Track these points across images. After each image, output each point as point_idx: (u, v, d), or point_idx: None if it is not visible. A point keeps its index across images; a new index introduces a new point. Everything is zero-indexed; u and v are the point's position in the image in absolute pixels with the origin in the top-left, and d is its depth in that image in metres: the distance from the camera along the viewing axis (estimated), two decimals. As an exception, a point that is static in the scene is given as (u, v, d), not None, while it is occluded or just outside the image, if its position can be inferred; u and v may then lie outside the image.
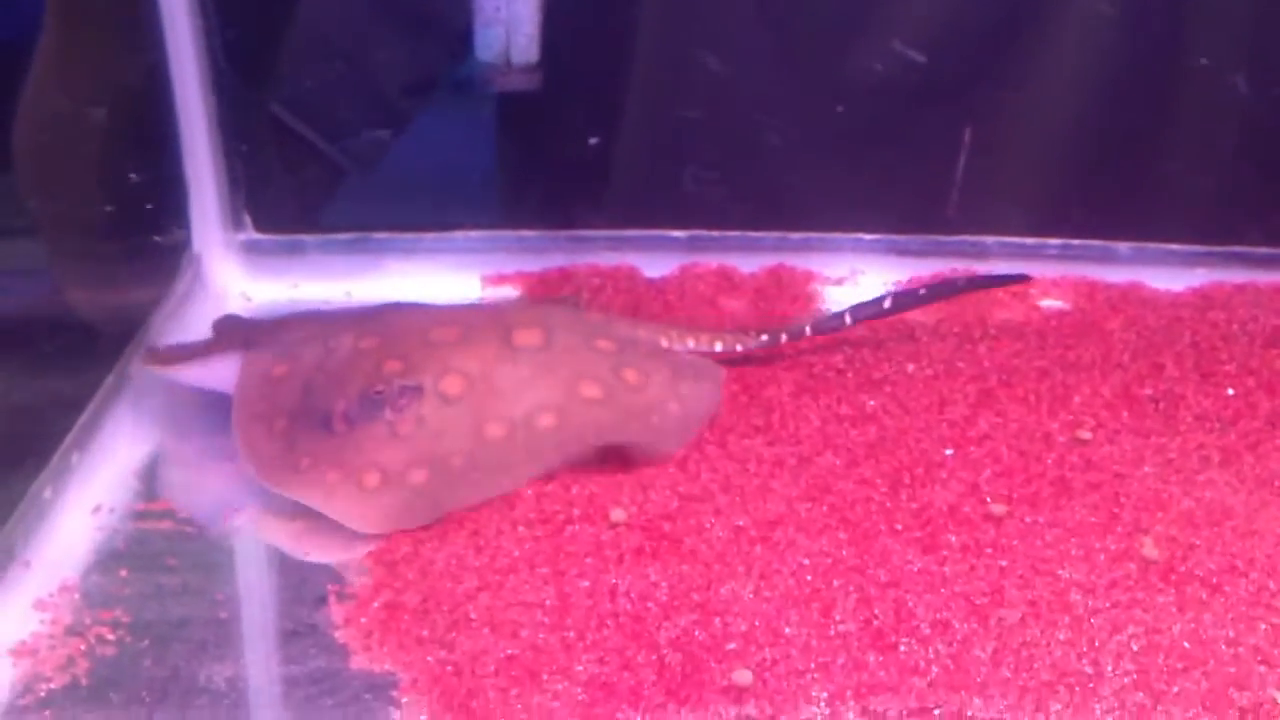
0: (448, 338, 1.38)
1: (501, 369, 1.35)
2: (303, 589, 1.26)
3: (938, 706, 1.12)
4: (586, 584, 1.22)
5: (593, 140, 1.92)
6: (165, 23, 1.70)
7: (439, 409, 1.31)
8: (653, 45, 1.88)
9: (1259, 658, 1.15)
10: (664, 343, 1.52)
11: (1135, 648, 1.15)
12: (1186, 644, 1.16)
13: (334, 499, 1.27)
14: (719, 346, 1.54)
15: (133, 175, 1.66)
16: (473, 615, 1.19)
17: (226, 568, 1.30)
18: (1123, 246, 1.84)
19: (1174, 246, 1.83)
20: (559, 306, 1.62)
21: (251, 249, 1.84)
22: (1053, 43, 1.83)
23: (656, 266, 1.83)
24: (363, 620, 1.21)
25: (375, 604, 1.22)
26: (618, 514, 1.30)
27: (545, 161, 2.01)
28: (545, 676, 1.13)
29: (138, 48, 1.68)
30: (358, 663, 1.17)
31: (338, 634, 1.20)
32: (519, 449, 1.33)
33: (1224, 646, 1.15)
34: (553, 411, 1.35)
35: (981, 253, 1.85)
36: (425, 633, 1.18)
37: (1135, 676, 1.13)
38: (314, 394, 1.34)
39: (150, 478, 1.41)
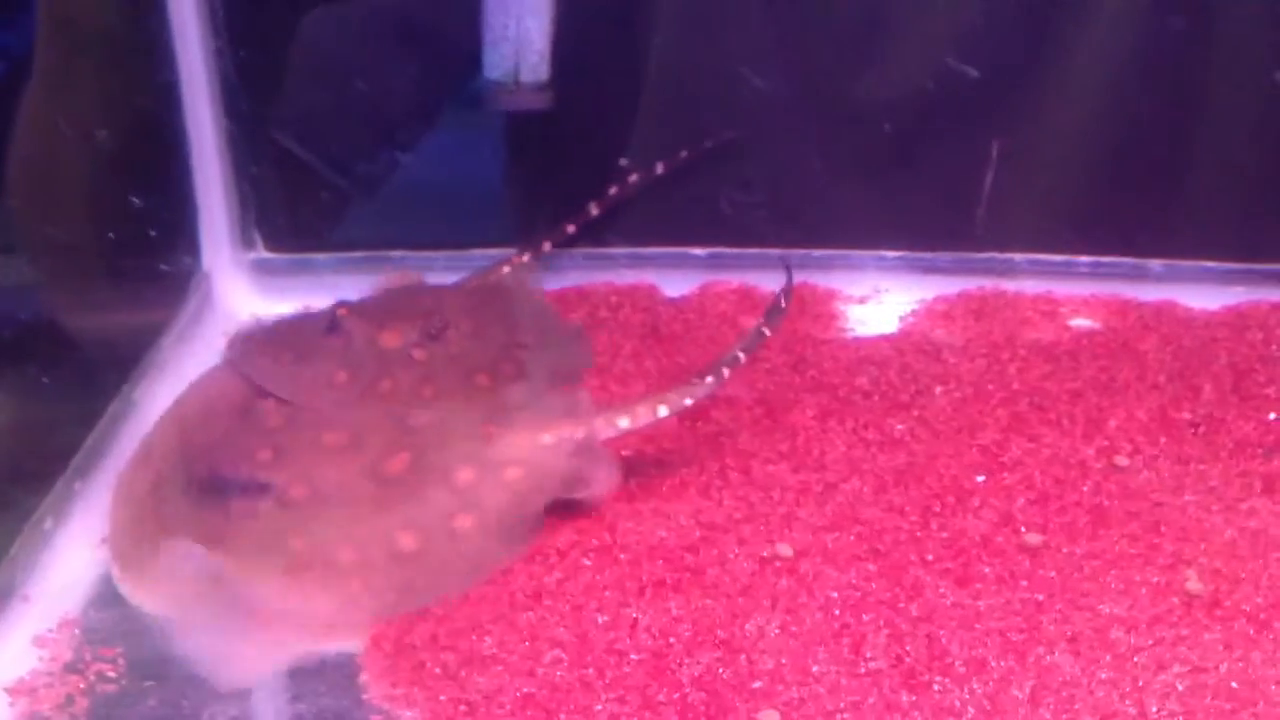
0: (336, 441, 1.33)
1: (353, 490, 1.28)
2: (312, 623, 1.22)
3: (974, 750, 1.07)
4: (605, 619, 1.17)
5: (621, 162, 1.88)
6: (176, 43, 1.68)
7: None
8: (667, 62, 1.84)
9: (1311, 698, 1.09)
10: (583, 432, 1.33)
11: (1181, 687, 1.10)
12: (1234, 684, 1.10)
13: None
14: (664, 411, 1.34)
15: (140, 195, 1.63)
16: (487, 652, 1.15)
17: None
18: (1155, 264, 1.79)
19: (1208, 264, 1.78)
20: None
21: (262, 268, 1.80)
22: (1083, 56, 1.79)
23: (676, 285, 1.79)
24: (374, 656, 1.17)
25: (386, 640, 1.18)
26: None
27: (560, 179, 1.98)
28: (563, 716, 1.09)
29: (146, 67, 1.65)
30: (368, 701, 1.13)
31: (348, 671, 1.16)
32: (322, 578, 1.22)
33: (1274, 687, 1.10)
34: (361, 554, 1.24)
35: (1009, 270, 1.80)
36: (438, 670, 1.14)
37: (1181, 718, 1.08)
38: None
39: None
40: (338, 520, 1.25)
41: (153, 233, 1.67)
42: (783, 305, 1.43)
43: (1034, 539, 1.27)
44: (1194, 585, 1.20)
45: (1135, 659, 1.13)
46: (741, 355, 1.38)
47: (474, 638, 1.16)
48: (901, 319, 1.71)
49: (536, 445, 1.31)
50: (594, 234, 1.84)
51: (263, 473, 1.28)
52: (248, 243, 1.81)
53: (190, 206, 1.74)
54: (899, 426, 1.45)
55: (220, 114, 1.74)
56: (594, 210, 1.73)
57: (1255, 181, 1.82)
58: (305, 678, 1.16)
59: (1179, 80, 1.79)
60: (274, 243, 1.82)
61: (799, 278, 1.79)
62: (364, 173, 1.91)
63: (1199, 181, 1.83)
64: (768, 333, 1.41)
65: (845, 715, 1.09)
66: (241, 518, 1.26)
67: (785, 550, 1.25)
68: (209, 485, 1.29)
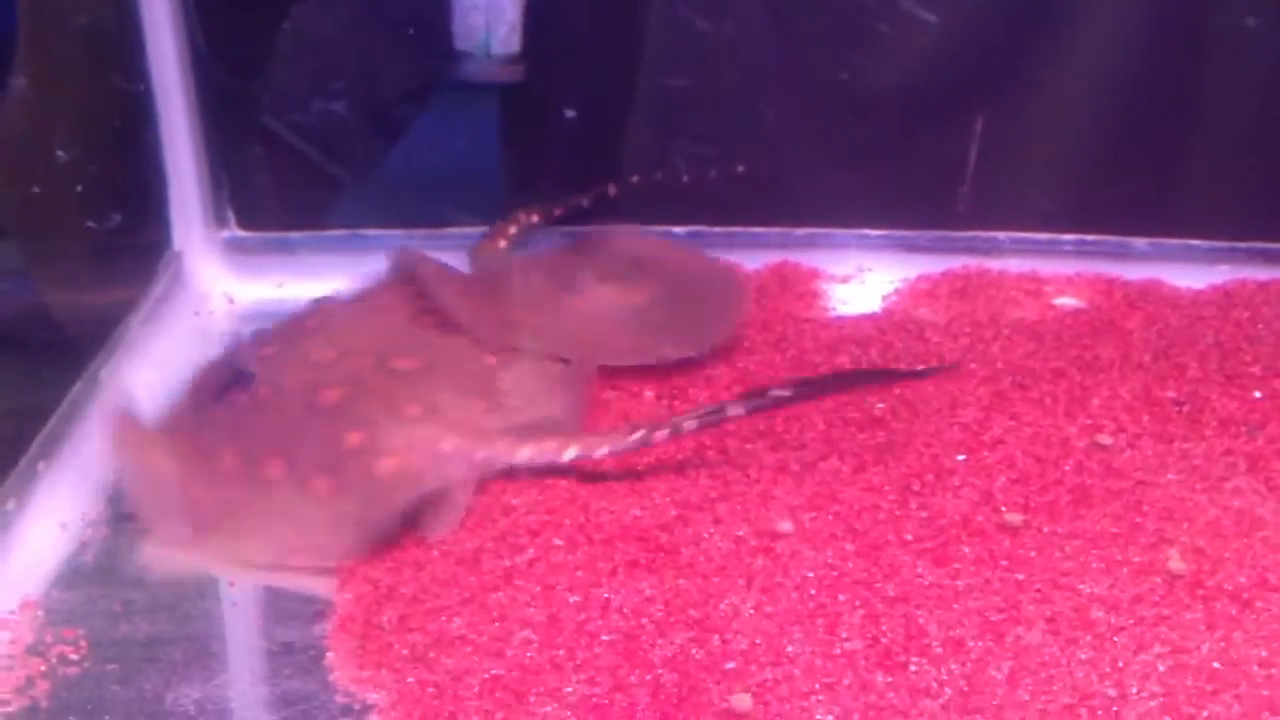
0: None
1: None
2: (279, 606, 1.20)
3: (951, 731, 1.05)
4: (576, 599, 1.15)
5: (588, 135, 1.86)
6: (145, 15, 1.64)
7: None
8: (646, 36, 1.81)
9: (1294, 678, 1.08)
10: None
11: (1162, 668, 1.08)
12: (1217, 664, 1.08)
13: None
14: (571, 454, 1.28)
15: (107, 172, 1.60)
16: (456, 633, 1.13)
17: (200, 584, 1.23)
18: (1141, 242, 1.77)
19: (1194, 242, 1.76)
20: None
21: (235, 247, 1.77)
22: (1069, 32, 1.76)
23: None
24: (341, 638, 1.14)
25: (353, 622, 1.16)
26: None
27: (539, 156, 1.95)
28: (532, 698, 1.06)
29: (116, 41, 1.62)
30: (335, 683, 1.11)
31: (314, 653, 1.13)
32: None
33: (1257, 667, 1.08)
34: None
35: (993, 249, 1.78)
36: (405, 651, 1.12)
37: (1162, 699, 1.06)
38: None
39: (122, 488, 1.35)
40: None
41: (120, 210, 1.64)
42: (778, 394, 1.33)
43: (1014, 518, 1.25)
44: (1176, 565, 1.18)
45: (1115, 639, 1.11)
46: (691, 424, 1.28)
47: (443, 619, 1.14)
48: (884, 298, 1.69)
49: (426, 444, 1.26)
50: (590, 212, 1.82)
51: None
52: (220, 221, 1.78)
53: (160, 183, 1.70)
54: (879, 405, 1.43)
55: (191, 88, 1.71)
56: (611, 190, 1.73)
57: (1242, 160, 1.80)
58: (271, 659, 1.14)
59: (1166, 59, 1.77)
60: (248, 221, 1.79)
61: (782, 256, 1.78)
62: (347, 163, 1.89)
63: (1185, 160, 1.81)
64: (735, 413, 1.30)
65: (819, 696, 1.07)
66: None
67: (785, 526, 1.23)
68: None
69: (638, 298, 1.55)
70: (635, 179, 1.79)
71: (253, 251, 1.77)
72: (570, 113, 1.76)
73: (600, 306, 1.53)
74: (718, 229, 1.80)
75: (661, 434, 1.28)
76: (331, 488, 1.23)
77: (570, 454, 1.27)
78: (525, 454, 1.28)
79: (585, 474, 1.32)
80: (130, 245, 1.66)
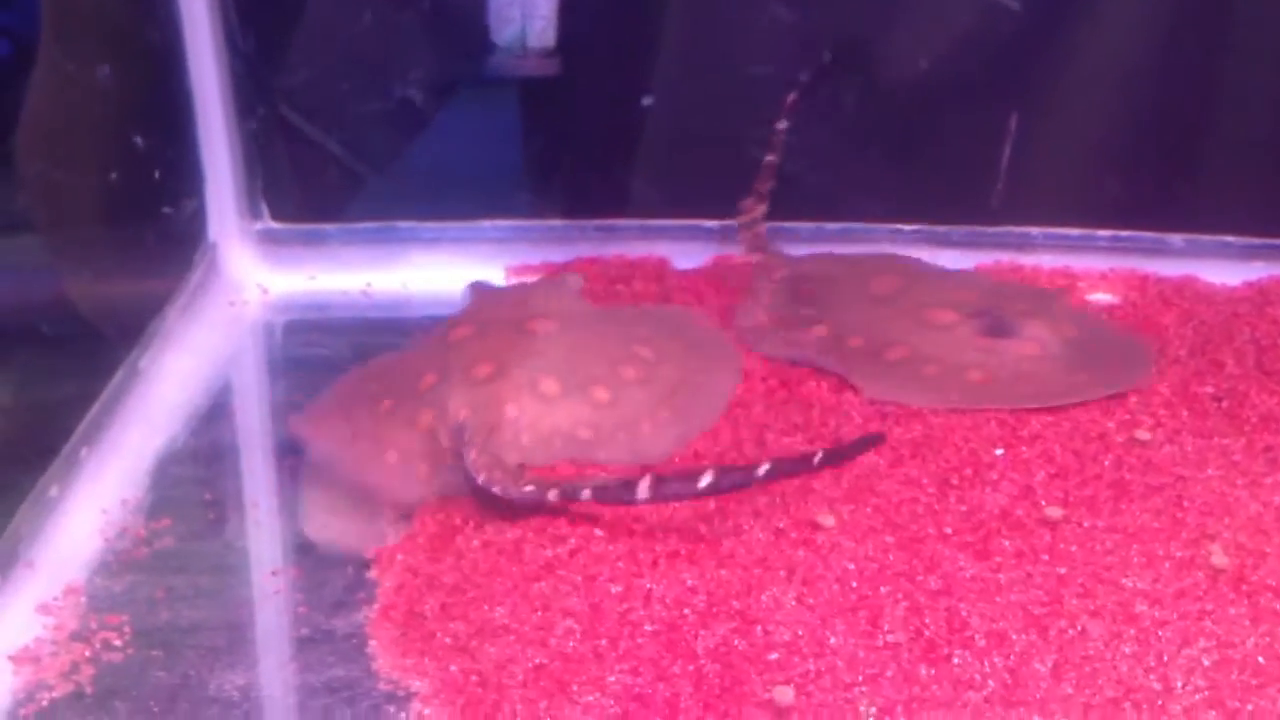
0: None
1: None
2: (321, 593, 1.20)
3: (994, 723, 1.05)
4: (619, 589, 1.15)
5: (626, 124, 1.85)
6: (182, 11, 1.65)
7: None
8: (679, 29, 1.81)
9: (1339, 674, 1.07)
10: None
11: (1207, 662, 1.08)
12: (1261, 659, 1.08)
13: None
14: (528, 490, 1.24)
15: (147, 167, 1.61)
16: (499, 622, 1.13)
17: (241, 570, 1.24)
18: (1175, 238, 1.77)
19: (1229, 239, 1.76)
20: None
21: (269, 239, 1.78)
22: (1102, 28, 1.76)
23: (688, 257, 1.77)
24: (383, 627, 1.15)
25: (396, 610, 1.16)
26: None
27: (571, 150, 1.95)
28: (575, 687, 1.07)
29: (151, 37, 1.62)
30: (377, 671, 1.11)
31: (357, 641, 1.14)
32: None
33: (1302, 662, 1.08)
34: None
35: (1026, 244, 1.78)
36: (448, 640, 1.12)
37: (1207, 693, 1.05)
38: None
39: (163, 474, 1.36)
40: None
41: (159, 204, 1.65)
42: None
43: (1054, 512, 1.25)
44: (1219, 559, 1.18)
45: (1160, 633, 1.10)
46: (587, 494, 1.21)
47: (485, 608, 1.14)
48: (917, 293, 1.68)
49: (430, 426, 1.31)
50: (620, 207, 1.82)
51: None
52: (254, 213, 1.78)
53: (197, 177, 1.72)
54: (916, 399, 1.43)
55: (227, 84, 1.72)
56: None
57: (1276, 157, 1.79)
58: (314, 647, 1.14)
59: (1199, 55, 1.76)
60: (281, 213, 1.79)
61: (813, 250, 1.77)
62: (368, 155, 1.89)
63: (1220, 156, 1.80)
64: (641, 497, 1.20)
65: (862, 689, 1.07)
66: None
67: (826, 519, 1.23)
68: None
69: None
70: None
71: (286, 243, 1.78)
72: (648, 99, 1.75)
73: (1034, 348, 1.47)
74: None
75: (554, 493, 1.22)
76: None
77: (528, 490, 1.23)
78: (481, 478, 1.25)
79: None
80: (168, 237, 1.67)
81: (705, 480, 1.18)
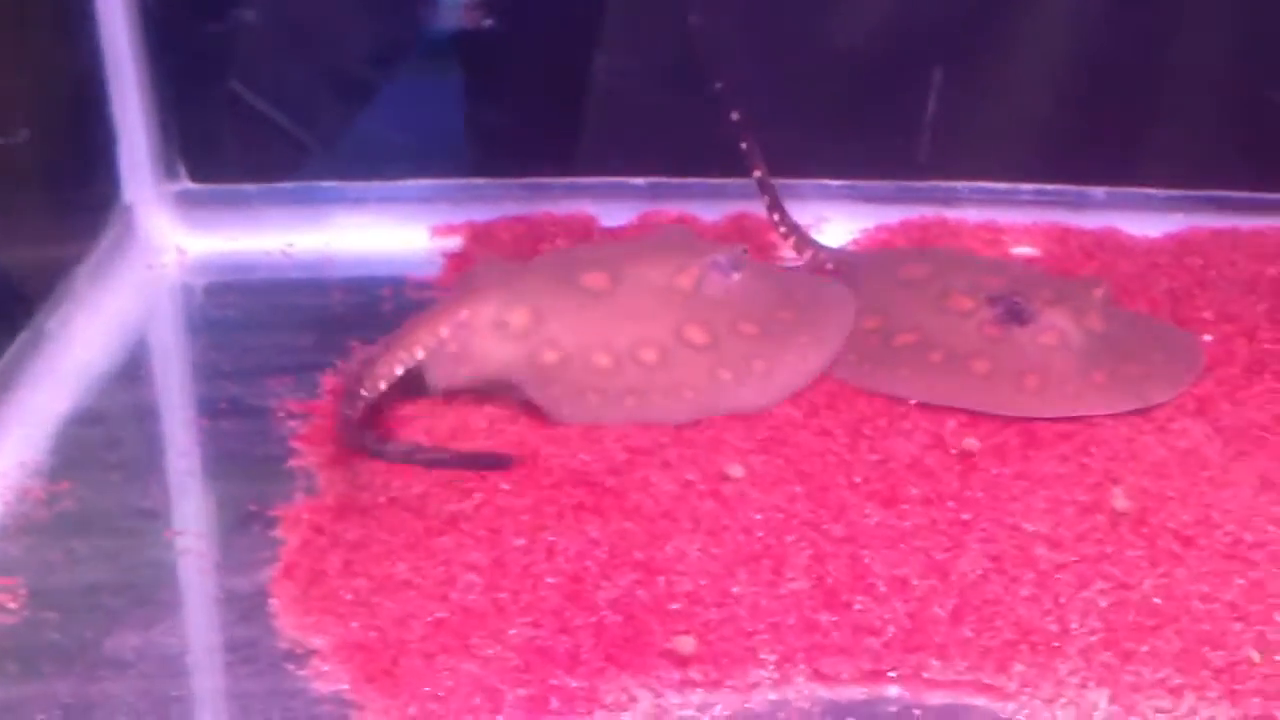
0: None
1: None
2: (225, 554, 1.19)
3: (893, 668, 1.05)
4: (522, 543, 1.15)
5: (553, 83, 1.84)
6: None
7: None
8: None
9: (1234, 614, 1.08)
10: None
11: (1103, 604, 1.09)
12: (1158, 600, 1.09)
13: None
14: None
15: (56, 124, 1.57)
16: (400, 577, 1.12)
17: (145, 532, 1.22)
18: (1098, 191, 1.77)
19: (1151, 191, 1.76)
20: None
21: (186, 200, 1.75)
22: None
23: (615, 215, 1.75)
24: (285, 585, 1.13)
25: (299, 568, 1.15)
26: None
27: (498, 107, 1.93)
28: (475, 641, 1.06)
29: None
30: (278, 630, 1.10)
31: (258, 600, 1.12)
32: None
33: (1198, 603, 1.09)
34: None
35: (952, 199, 1.78)
36: (349, 597, 1.11)
37: (1103, 635, 1.06)
38: None
39: (67, 437, 1.34)
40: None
41: (69, 163, 1.62)
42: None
43: (971, 442, 1.25)
44: (1121, 503, 1.18)
45: (1058, 576, 1.11)
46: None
47: (388, 564, 1.13)
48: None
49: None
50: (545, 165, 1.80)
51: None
52: (171, 174, 1.75)
53: (109, 137, 1.68)
54: (832, 352, 1.42)
55: (140, 40, 1.68)
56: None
57: (1196, 109, 1.80)
58: (215, 607, 1.13)
59: (1120, 9, 1.76)
60: (199, 174, 1.77)
61: (741, 207, 1.77)
62: (315, 129, 1.86)
63: (1142, 109, 1.80)
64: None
65: (764, 637, 1.07)
66: None
67: (735, 470, 1.23)
68: None
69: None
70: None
71: (205, 204, 1.75)
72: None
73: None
74: (676, 180, 1.79)
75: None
76: None
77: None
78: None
79: (537, 420, 1.31)
80: (78, 199, 1.63)
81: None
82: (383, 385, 1.29)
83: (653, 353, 1.33)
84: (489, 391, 1.33)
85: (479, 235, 1.72)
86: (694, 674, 1.04)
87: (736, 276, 1.40)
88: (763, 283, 1.44)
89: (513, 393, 1.32)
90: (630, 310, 1.36)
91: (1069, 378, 1.32)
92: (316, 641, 1.08)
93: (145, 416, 1.41)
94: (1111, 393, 1.31)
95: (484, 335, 1.33)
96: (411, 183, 1.80)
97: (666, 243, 1.48)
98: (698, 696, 1.03)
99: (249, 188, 1.77)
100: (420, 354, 1.32)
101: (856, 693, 1.04)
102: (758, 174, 1.64)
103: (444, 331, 1.32)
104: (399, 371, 1.31)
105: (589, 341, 1.33)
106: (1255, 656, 1.05)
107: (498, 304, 1.35)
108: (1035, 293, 1.39)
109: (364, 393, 1.28)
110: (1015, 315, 1.37)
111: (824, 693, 1.04)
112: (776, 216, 1.64)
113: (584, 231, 1.73)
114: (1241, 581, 1.11)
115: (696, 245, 1.46)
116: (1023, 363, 1.34)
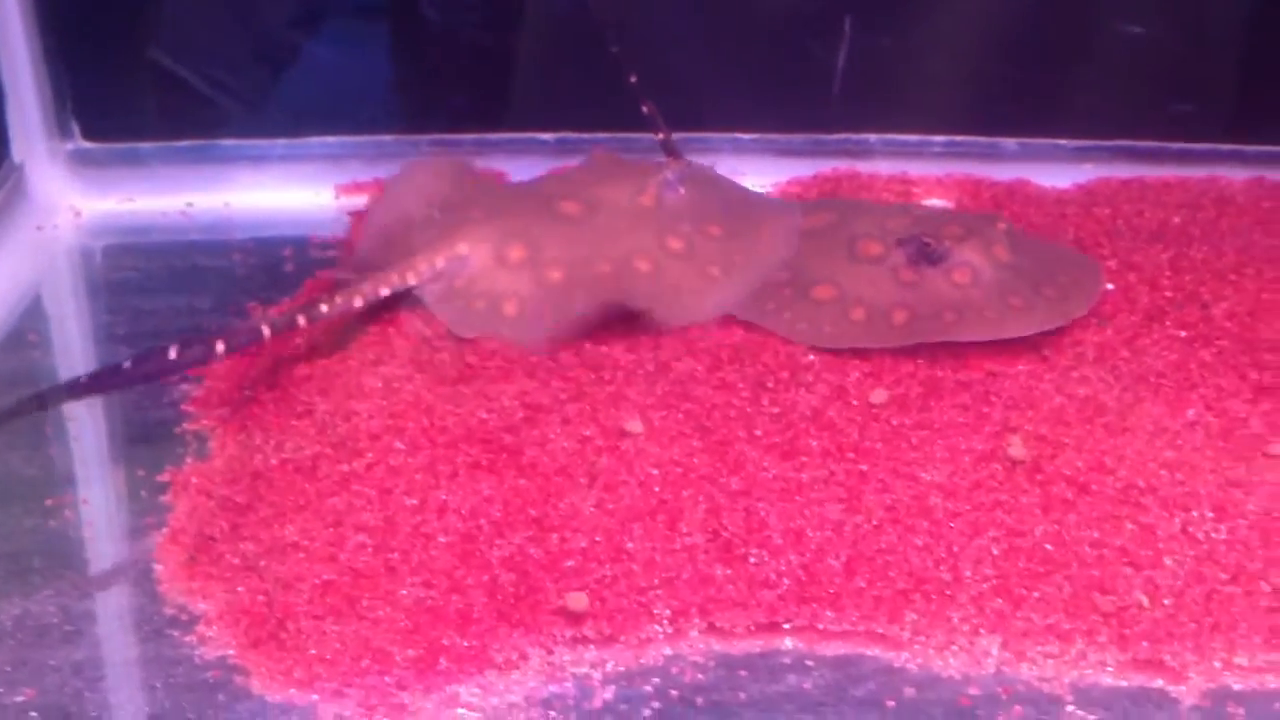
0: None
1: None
2: (112, 521, 1.16)
3: (788, 620, 1.05)
4: (414, 502, 1.13)
5: (463, 39, 1.80)
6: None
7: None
8: None
9: (1125, 559, 1.09)
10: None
11: (995, 551, 1.09)
12: (1049, 546, 1.10)
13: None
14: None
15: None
16: (288, 540, 1.10)
17: (29, 499, 1.19)
18: (1009, 142, 1.77)
19: (1061, 141, 1.76)
20: None
21: (80, 159, 1.70)
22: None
23: (523, 170, 1.72)
24: (170, 551, 1.11)
25: (185, 533, 1.12)
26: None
27: (407, 63, 1.89)
28: (365, 602, 1.04)
29: None
30: (163, 595, 1.07)
31: (144, 567, 1.10)
32: None
33: (1088, 548, 1.09)
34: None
35: (864, 151, 1.77)
36: (236, 561, 1.09)
37: (995, 582, 1.07)
38: None
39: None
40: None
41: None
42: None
43: (880, 395, 1.25)
44: (1017, 451, 1.19)
45: (951, 525, 1.11)
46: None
47: (276, 527, 1.11)
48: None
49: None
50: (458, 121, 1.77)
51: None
52: (65, 132, 1.70)
53: (-5, 91, 1.62)
54: (736, 305, 1.41)
55: (28, -1, 1.62)
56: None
57: (1107, 60, 1.80)
58: (99, 575, 1.11)
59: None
60: (93, 132, 1.71)
61: (654, 160, 1.74)
62: (234, 92, 1.81)
63: (1053, 60, 1.80)
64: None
65: (658, 591, 1.06)
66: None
67: (634, 425, 1.21)
68: None
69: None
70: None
71: (100, 163, 1.70)
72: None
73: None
74: (587, 135, 1.76)
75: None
76: None
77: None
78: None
79: (434, 379, 1.29)
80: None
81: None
82: (358, 302, 1.33)
83: (646, 263, 1.39)
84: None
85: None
86: (587, 630, 1.04)
87: (683, 190, 1.48)
88: (706, 190, 1.51)
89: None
90: (611, 230, 1.42)
91: (988, 305, 1.34)
92: (202, 607, 1.06)
93: (35, 382, 1.37)
94: (1035, 314, 1.34)
95: (490, 271, 1.38)
96: (316, 140, 1.76)
97: (614, 170, 1.54)
98: (590, 653, 1.02)
99: (146, 146, 1.72)
100: (412, 280, 1.36)
101: (752, 645, 1.04)
102: (660, 136, 1.64)
103: (440, 263, 1.37)
104: (384, 292, 1.35)
105: (588, 255, 1.39)
106: (1144, 601, 1.06)
107: (493, 243, 1.39)
108: (942, 230, 1.40)
109: (324, 308, 1.30)
110: (926, 255, 1.38)
111: (719, 646, 1.04)
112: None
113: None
114: (1132, 527, 1.11)
115: (639, 166, 1.53)
116: (941, 302, 1.35)
